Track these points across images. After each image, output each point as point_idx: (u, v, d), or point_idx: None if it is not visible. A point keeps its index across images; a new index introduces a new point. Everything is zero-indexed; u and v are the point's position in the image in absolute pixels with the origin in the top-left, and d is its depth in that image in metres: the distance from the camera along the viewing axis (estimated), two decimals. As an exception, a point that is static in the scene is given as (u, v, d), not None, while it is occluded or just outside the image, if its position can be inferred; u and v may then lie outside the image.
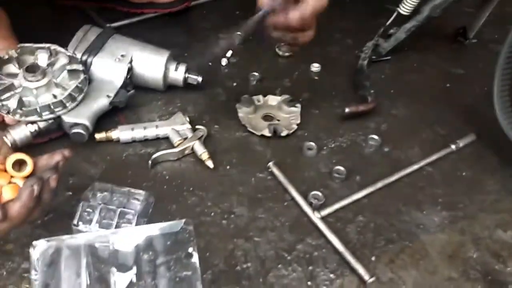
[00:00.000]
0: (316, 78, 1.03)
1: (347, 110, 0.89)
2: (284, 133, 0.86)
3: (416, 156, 0.85)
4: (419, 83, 1.03)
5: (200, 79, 0.91)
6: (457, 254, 0.71)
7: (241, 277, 0.65)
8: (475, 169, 0.84)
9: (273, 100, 0.93)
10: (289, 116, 0.90)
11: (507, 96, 0.80)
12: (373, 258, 0.69)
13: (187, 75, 0.90)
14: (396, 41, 1.04)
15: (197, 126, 0.84)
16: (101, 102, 0.81)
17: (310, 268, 0.67)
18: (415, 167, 0.82)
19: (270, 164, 0.80)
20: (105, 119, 0.83)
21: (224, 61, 1.03)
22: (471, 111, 0.95)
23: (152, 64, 0.88)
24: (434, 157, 0.84)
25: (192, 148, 0.80)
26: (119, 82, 0.83)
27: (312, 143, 0.84)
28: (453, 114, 0.95)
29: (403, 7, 0.95)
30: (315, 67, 1.04)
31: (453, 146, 0.86)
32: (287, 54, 1.07)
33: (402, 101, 0.97)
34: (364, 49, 1.03)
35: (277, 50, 1.07)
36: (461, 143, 0.86)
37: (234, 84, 0.98)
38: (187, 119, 0.84)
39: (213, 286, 0.64)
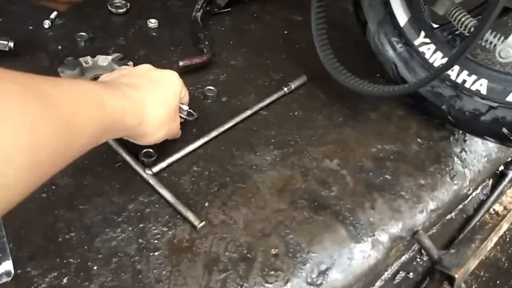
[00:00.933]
0: (154, 34, 0.98)
1: (180, 63, 0.86)
2: (114, 94, 0.81)
3: (252, 103, 0.87)
4: (258, 32, 1.05)
5: (11, 44, 0.81)
6: (286, 187, 0.75)
7: (62, 249, 0.61)
8: (306, 108, 0.89)
9: (103, 60, 0.87)
10: (122, 76, 0.85)
11: (326, 41, 0.84)
12: (206, 204, 0.69)
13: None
14: (232, -9, 1.04)
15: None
16: None
17: (141, 225, 0.65)
18: (249, 112, 0.83)
19: (98, 127, 0.75)
20: None
21: (47, 23, 0.93)
22: (304, 55, 0.99)
23: None
24: (268, 100, 0.87)
25: (4, 121, 0.72)
26: None
27: (146, 101, 0.81)
28: (289, 60, 0.99)
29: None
30: (152, 23, 0.99)
31: (285, 89, 0.89)
32: (120, 11, 1.00)
33: (241, 52, 0.98)
34: (198, 1, 1.01)
35: (109, 7, 1.00)
36: (293, 85, 0.90)
37: (59, 47, 0.90)
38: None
39: (31, 263, 0.59)
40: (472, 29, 0.69)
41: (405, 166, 0.82)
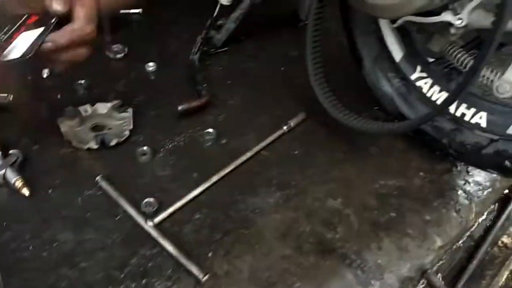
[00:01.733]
0: (153, 77, 0.99)
1: (179, 108, 0.87)
2: (113, 142, 0.81)
3: (252, 143, 0.86)
4: (255, 70, 1.06)
5: (10, 97, 0.82)
6: (290, 231, 0.74)
7: (65, 310, 0.60)
8: (306, 145, 0.88)
9: (102, 107, 0.87)
10: (121, 123, 0.86)
11: (322, 78, 0.85)
12: (210, 254, 0.68)
13: (-7, 95, 0.80)
14: (228, 31, 1.05)
15: (9, 151, 0.75)
16: None
17: (145, 280, 0.64)
18: (249, 154, 0.83)
19: (98, 178, 0.75)
20: None
21: (45, 73, 0.94)
22: (303, 91, 0.99)
23: None
24: (267, 140, 0.87)
25: (4, 178, 0.71)
26: None
27: (146, 148, 0.81)
28: (287, 96, 0.99)
29: (223, -3, 0.96)
30: (150, 66, 1.00)
31: (285, 127, 0.89)
32: (119, 56, 1.01)
33: (239, 91, 0.99)
34: (196, 44, 1.02)
35: (107, 52, 1.01)
36: (292, 123, 0.90)
37: (58, 96, 0.90)
38: (-4, 145, 0.75)
39: (33, 327, 0.58)
40: (470, 65, 0.69)
41: (410, 202, 0.81)
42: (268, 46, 1.13)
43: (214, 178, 0.79)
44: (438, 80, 0.80)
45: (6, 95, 0.81)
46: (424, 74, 0.82)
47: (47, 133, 0.81)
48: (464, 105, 0.78)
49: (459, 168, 0.89)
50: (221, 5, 0.98)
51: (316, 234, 0.74)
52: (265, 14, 1.20)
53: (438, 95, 0.81)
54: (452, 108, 0.79)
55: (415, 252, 0.75)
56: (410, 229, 0.77)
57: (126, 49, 1.02)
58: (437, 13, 0.62)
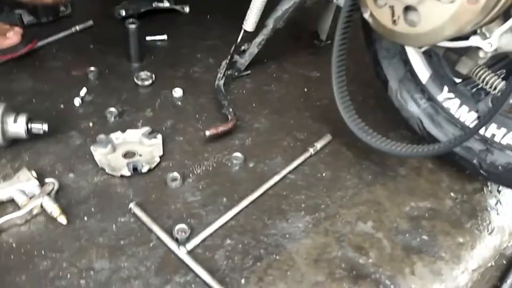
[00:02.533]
0: (179, 103, 1.01)
1: (207, 133, 0.88)
2: (145, 169, 0.83)
3: (279, 166, 0.87)
4: (278, 92, 1.07)
5: (46, 127, 0.84)
6: (322, 256, 0.73)
7: (104, 338, 0.61)
8: (333, 167, 0.88)
9: (133, 134, 0.90)
10: (151, 149, 0.88)
11: (348, 99, 0.85)
12: (242, 281, 0.69)
13: (30, 125, 0.83)
14: (251, 56, 1.07)
15: (46, 180, 0.78)
16: None
17: (180, 308, 0.65)
18: (277, 178, 0.84)
19: (131, 205, 0.76)
20: None
21: (77, 101, 0.97)
22: (326, 112, 1.00)
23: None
24: (294, 164, 0.87)
25: (42, 206, 0.74)
26: None
27: (176, 174, 0.83)
28: (312, 118, 1.00)
29: (246, 24, 0.98)
30: (177, 92, 1.02)
31: (311, 150, 0.90)
32: (146, 83, 1.04)
33: (263, 113, 1.00)
34: (219, 69, 1.04)
35: (135, 80, 1.04)
36: (318, 145, 0.91)
37: (90, 124, 0.93)
38: (34, 174, 0.77)
39: None
40: (499, 87, 0.69)
41: (442, 224, 0.80)
42: (290, 68, 1.15)
43: (243, 203, 0.79)
44: (466, 100, 0.80)
45: (41, 125, 0.84)
46: (451, 95, 0.81)
47: (81, 162, 0.84)
48: (494, 126, 0.77)
49: (490, 188, 0.88)
50: (244, 30, 1.00)
51: (348, 259, 0.74)
52: (286, 36, 1.22)
53: (466, 116, 0.80)
54: (481, 129, 0.78)
55: (449, 276, 0.74)
56: (443, 252, 0.76)
57: (153, 76, 1.05)
58: (466, 37, 0.62)
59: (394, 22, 0.58)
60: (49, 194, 0.75)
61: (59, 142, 0.88)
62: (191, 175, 0.85)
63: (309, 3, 1.03)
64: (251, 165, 0.88)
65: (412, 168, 0.90)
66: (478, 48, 0.63)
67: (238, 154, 0.88)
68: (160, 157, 0.86)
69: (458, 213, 0.82)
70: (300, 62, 1.17)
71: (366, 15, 0.63)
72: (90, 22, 1.21)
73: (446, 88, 0.82)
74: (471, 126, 0.79)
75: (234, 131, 0.94)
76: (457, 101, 0.81)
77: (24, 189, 0.75)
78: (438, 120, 0.83)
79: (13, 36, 1.04)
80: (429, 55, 0.82)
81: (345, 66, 0.87)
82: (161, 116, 0.97)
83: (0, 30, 1.06)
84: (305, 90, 1.08)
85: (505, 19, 0.59)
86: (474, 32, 0.61)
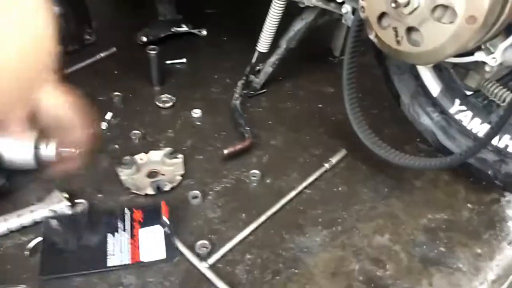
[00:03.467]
0: (199, 123, 1.06)
1: (225, 152, 0.92)
2: (168, 188, 0.87)
3: (295, 182, 0.90)
4: (294, 109, 1.10)
5: (76, 150, 0.90)
6: (340, 269, 0.75)
7: None
8: (349, 182, 0.91)
9: (155, 155, 0.95)
10: (173, 169, 0.92)
11: (359, 113, 0.88)
12: (262, 295, 0.71)
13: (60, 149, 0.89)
14: (266, 75, 1.11)
15: (76, 201, 0.83)
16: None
17: (203, 321, 0.68)
18: (293, 193, 0.87)
19: (155, 223, 0.80)
20: (-24, 215, 0.79)
21: (104, 125, 1.03)
22: (341, 127, 1.03)
23: (20, 146, 0.86)
24: (310, 179, 0.90)
25: (73, 225, 0.79)
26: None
27: (196, 191, 0.87)
28: (327, 134, 1.02)
29: (260, 46, 1.02)
30: (196, 113, 1.07)
31: (326, 165, 0.92)
32: (167, 105, 1.09)
33: (279, 130, 1.03)
34: (235, 89, 1.08)
35: (157, 103, 1.10)
36: (333, 160, 0.93)
37: (116, 146, 0.98)
38: (65, 195, 0.83)
39: None
40: (508, 99, 0.70)
41: (459, 236, 0.81)
42: (305, 85, 1.18)
43: (262, 218, 0.82)
44: (478, 112, 0.81)
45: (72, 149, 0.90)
46: (463, 107, 0.83)
47: (108, 182, 0.89)
48: (507, 136, 0.78)
49: (507, 198, 0.88)
50: (259, 51, 1.05)
51: (366, 272, 0.75)
52: (300, 54, 1.26)
53: (479, 128, 0.81)
54: (494, 140, 0.79)
55: (467, 287, 0.74)
56: (461, 263, 0.77)
57: (173, 99, 1.10)
58: (471, 53, 0.64)
59: (398, 42, 0.61)
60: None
61: (88, 165, 0.93)
62: (211, 193, 0.89)
63: (320, 22, 1.07)
64: (268, 181, 0.91)
65: (428, 180, 0.91)
66: (484, 63, 0.65)
67: (255, 171, 0.91)
68: (182, 175, 0.90)
69: (476, 224, 0.83)
70: (314, 78, 1.20)
71: (372, 36, 0.66)
72: (114, 49, 1.28)
73: (457, 101, 0.84)
74: (483, 137, 0.79)
75: (251, 149, 0.98)
76: (469, 113, 0.82)
77: (56, 209, 0.80)
78: (451, 132, 0.85)
79: None
80: (439, 69, 0.83)
81: (357, 81, 0.89)
82: (181, 136, 1.02)
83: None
84: (320, 106, 1.11)
85: (508, 34, 0.61)
86: (479, 48, 0.63)
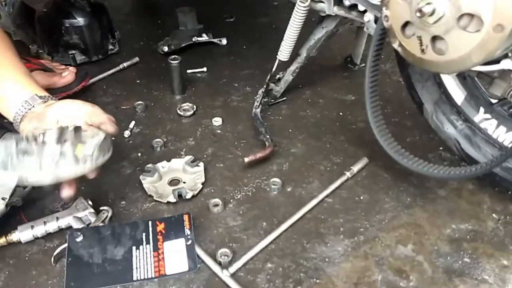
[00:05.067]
0: (219, 131, 1.07)
1: (246, 160, 0.93)
2: (189, 196, 0.88)
3: (316, 190, 0.90)
4: (314, 116, 1.10)
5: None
6: (362, 280, 0.74)
7: None
8: (371, 191, 0.90)
9: (177, 163, 0.96)
10: (194, 177, 0.93)
11: (381, 121, 0.87)
12: (284, 304, 0.71)
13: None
14: (286, 83, 1.12)
15: (100, 208, 0.85)
16: (-3, 207, 0.79)
17: (225, 329, 0.68)
18: (314, 202, 0.86)
19: (177, 230, 0.81)
20: (4, 221, 0.82)
21: (126, 133, 1.05)
22: (362, 135, 1.02)
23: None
24: (332, 187, 0.89)
25: (98, 232, 0.80)
26: (13, 181, 0.82)
27: (217, 199, 0.87)
28: (348, 141, 1.02)
29: (281, 54, 1.02)
30: (216, 121, 1.08)
31: (348, 173, 0.91)
32: (188, 113, 1.11)
33: (300, 138, 1.03)
34: (256, 97, 1.09)
35: (178, 111, 1.11)
36: (355, 169, 0.92)
37: (139, 154, 1.00)
38: (90, 203, 0.85)
39: None
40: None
41: (484, 246, 0.79)
42: (325, 93, 1.18)
43: (283, 227, 0.82)
44: (504, 121, 0.80)
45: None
46: (488, 116, 0.81)
47: (131, 190, 0.90)
48: (535, 145, 0.76)
49: (536, 208, 0.85)
50: (279, 60, 1.05)
51: (389, 283, 0.74)
52: (321, 62, 1.26)
53: (504, 136, 0.79)
54: (522, 149, 0.77)
55: (495, 300, 0.72)
56: (487, 275, 0.75)
57: (194, 107, 1.12)
58: (497, 61, 0.63)
59: (422, 51, 0.61)
60: (103, 221, 0.82)
61: (111, 172, 0.95)
62: (231, 201, 0.89)
63: (341, 30, 1.07)
64: (289, 189, 0.91)
65: (452, 190, 0.89)
66: (510, 71, 0.64)
67: (276, 179, 0.92)
68: (203, 183, 0.91)
69: (501, 234, 0.81)
70: (335, 86, 1.20)
71: (395, 45, 0.66)
72: (136, 59, 1.31)
73: (482, 109, 0.82)
74: (510, 146, 0.78)
75: (272, 157, 0.98)
76: (494, 122, 0.81)
77: (81, 216, 0.82)
78: (475, 141, 0.83)
79: (68, 75, 1.15)
80: (463, 77, 0.82)
81: (379, 88, 0.89)
82: (202, 144, 1.03)
83: (56, 69, 1.18)
84: (341, 114, 1.11)
85: (536, 42, 0.59)
86: (506, 56, 0.62)
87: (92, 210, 0.83)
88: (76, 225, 0.81)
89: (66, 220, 0.82)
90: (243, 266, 0.77)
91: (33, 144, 0.71)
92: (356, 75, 1.25)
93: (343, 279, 0.74)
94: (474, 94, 0.83)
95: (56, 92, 1.14)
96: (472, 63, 0.57)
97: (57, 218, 0.81)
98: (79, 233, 0.78)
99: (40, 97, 0.77)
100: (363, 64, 1.26)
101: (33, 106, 0.76)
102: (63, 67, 1.21)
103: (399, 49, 0.65)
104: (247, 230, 0.83)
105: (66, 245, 0.78)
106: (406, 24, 0.62)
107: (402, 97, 1.09)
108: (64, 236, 0.81)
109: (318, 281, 0.74)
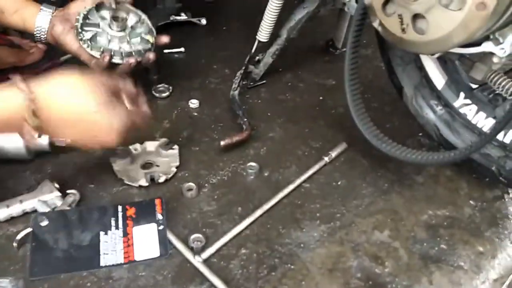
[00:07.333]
0: (196, 114, 1.03)
1: (222, 143, 0.90)
2: (162, 179, 0.85)
3: (294, 175, 0.88)
4: (293, 101, 1.08)
5: (68, 140, 0.88)
6: (337, 266, 0.73)
7: None
8: (348, 176, 0.88)
9: (151, 145, 0.92)
10: (168, 160, 0.90)
11: (362, 107, 0.85)
12: (257, 290, 0.69)
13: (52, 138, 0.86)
14: (266, 66, 1.08)
15: (67, 191, 0.81)
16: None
17: (195, 316, 0.66)
18: (291, 187, 0.84)
19: (149, 215, 0.78)
20: (-36, 205, 0.77)
21: (98, 114, 1.00)
22: (342, 120, 1.00)
23: (11, 135, 0.83)
24: (309, 172, 0.87)
25: (63, 216, 0.77)
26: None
27: (192, 184, 0.84)
28: (327, 126, 1.00)
29: (260, 35, 0.99)
30: (193, 103, 1.04)
31: (326, 158, 0.90)
32: (164, 95, 1.07)
33: (278, 122, 1.01)
34: (234, 79, 1.06)
35: (153, 92, 1.07)
36: (333, 154, 0.91)
37: (110, 136, 0.96)
38: (56, 186, 0.80)
39: None
40: (515, 92, 0.68)
41: (460, 233, 0.79)
42: (305, 76, 1.15)
43: (258, 212, 0.80)
44: (483, 106, 0.79)
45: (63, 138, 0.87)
46: (468, 101, 0.80)
47: (101, 173, 0.87)
48: (513, 131, 0.76)
49: (511, 194, 0.85)
50: (259, 41, 1.02)
51: (364, 269, 0.73)
52: (301, 45, 1.23)
53: (484, 122, 0.79)
54: (499, 135, 0.76)
55: (468, 286, 0.72)
56: (462, 261, 0.75)
57: (170, 88, 1.08)
58: (478, 43, 0.61)
59: (403, 30, 0.58)
60: (70, 205, 0.78)
61: (80, 155, 0.91)
62: (206, 185, 0.86)
63: (322, 12, 1.04)
64: (266, 174, 0.89)
65: (429, 176, 0.89)
66: (491, 54, 0.62)
67: (253, 163, 0.89)
68: (177, 167, 0.88)
69: (478, 221, 0.81)
70: (315, 70, 1.18)
71: (376, 24, 0.63)
72: (110, 37, 1.25)
73: (462, 94, 0.81)
74: (489, 132, 0.77)
75: (249, 141, 0.95)
76: (474, 107, 0.80)
77: (47, 200, 0.78)
78: (455, 126, 0.82)
79: (36, 53, 1.09)
80: (444, 61, 0.81)
81: (359, 74, 0.86)
82: (178, 127, 0.99)
83: (24, 46, 1.12)
84: (320, 98, 1.09)
85: (519, 24, 0.58)
86: (487, 38, 0.61)
87: (59, 193, 0.79)
88: (41, 208, 0.77)
89: (30, 203, 0.77)
90: (216, 252, 0.74)
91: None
92: (338, 59, 1.22)
93: (318, 265, 0.73)
94: (454, 78, 0.81)
95: (23, 70, 1.08)
96: (453, 43, 0.55)
97: (21, 201, 0.77)
98: (44, 217, 0.74)
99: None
100: (345, 49, 1.23)
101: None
102: (32, 44, 1.14)
103: (380, 29, 0.63)
104: (222, 215, 0.81)
105: (30, 229, 0.74)
106: (387, 2, 0.60)
107: (382, 83, 1.07)
108: (28, 220, 0.77)
109: (292, 267, 0.73)
